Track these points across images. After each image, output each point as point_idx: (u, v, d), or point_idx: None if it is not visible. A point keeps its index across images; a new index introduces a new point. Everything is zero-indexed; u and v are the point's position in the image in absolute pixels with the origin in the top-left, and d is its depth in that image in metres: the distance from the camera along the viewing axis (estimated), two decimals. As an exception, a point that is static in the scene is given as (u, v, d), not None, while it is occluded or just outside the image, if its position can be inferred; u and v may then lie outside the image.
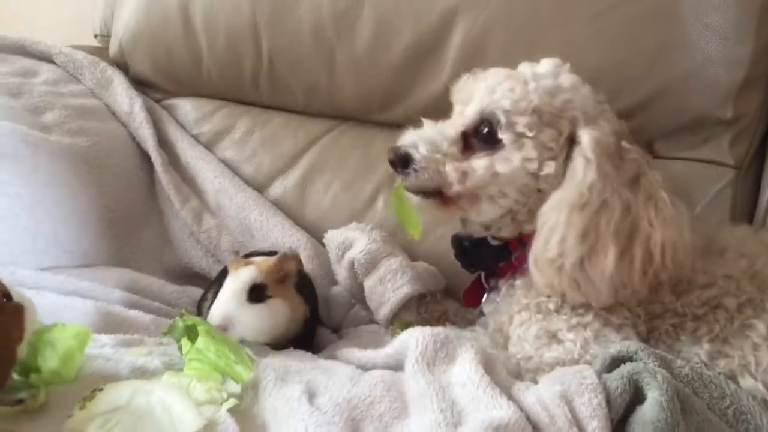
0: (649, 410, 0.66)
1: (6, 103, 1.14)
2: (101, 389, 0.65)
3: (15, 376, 0.68)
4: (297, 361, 0.80)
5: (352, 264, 1.01)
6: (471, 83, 0.89)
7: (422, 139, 0.87)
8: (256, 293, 0.85)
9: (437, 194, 0.87)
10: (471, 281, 0.96)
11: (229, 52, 1.24)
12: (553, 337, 0.83)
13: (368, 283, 1.00)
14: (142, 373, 0.74)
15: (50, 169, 1.09)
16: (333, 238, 1.06)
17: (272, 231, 1.12)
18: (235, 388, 0.71)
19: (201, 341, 0.74)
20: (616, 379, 0.69)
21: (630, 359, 0.73)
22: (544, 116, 0.83)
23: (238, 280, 0.85)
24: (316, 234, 1.12)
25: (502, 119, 0.83)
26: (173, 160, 1.23)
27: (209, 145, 1.26)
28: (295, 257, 0.91)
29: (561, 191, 0.81)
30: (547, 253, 0.80)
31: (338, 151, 1.22)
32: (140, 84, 1.32)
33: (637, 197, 0.80)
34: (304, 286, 0.94)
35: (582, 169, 0.80)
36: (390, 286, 0.98)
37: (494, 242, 0.90)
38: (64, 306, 0.91)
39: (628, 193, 0.80)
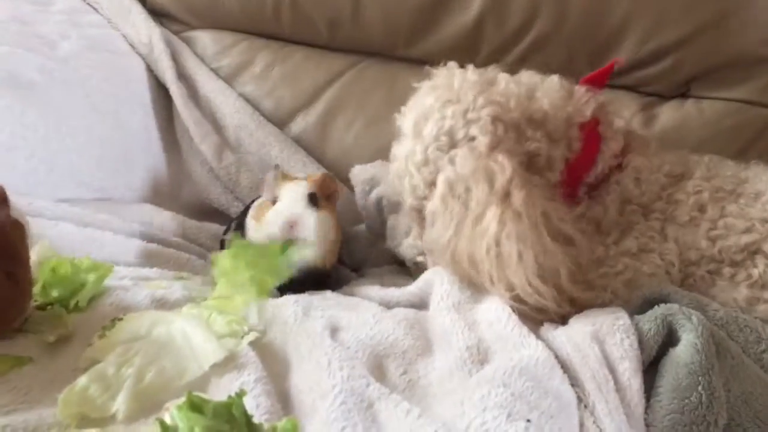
0: (683, 352, 0.64)
1: (22, 31, 1.10)
2: (121, 319, 0.64)
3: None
4: (319, 298, 0.78)
5: (380, 201, 0.98)
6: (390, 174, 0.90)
7: (405, 247, 0.93)
8: (314, 200, 0.87)
9: None
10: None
11: (250, -18, 1.19)
12: (586, 282, 0.80)
13: (391, 221, 0.98)
14: (161, 305, 0.73)
15: (66, 100, 1.06)
16: (359, 173, 1.03)
17: (293, 168, 1.09)
18: (256, 324, 0.70)
19: (233, 251, 0.77)
20: (649, 320, 0.67)
21: (663, 301, 0.71)
22: (428, 182, 0.82)
23: (297, 188, 0.87)
24: (338, 172, 1.09)
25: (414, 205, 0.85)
26: (192, 94, 1.19)
27: (228, 80, 1.22)
28: (337, 180, 0.92)
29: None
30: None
31: (361, 88, 1.18)
32: (158, 15, 1.27)
33: (478, 243, 0.75)
34: None
35: (432, 217, 0.80)
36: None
37: None
38: (82, 237, 0.89)
39: (470, 233, 0.76)
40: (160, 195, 1.13)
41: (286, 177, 0.91)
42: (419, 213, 0.85)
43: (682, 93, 1.08)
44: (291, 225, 0.84)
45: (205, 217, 1.12)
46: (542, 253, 0.73)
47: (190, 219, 1.09)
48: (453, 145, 0.80)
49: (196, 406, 0.43)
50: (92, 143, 1.07)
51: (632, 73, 1.06)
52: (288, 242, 0.83)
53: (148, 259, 0.90)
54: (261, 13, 1.21)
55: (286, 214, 0.84)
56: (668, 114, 1.07)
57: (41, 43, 1.11)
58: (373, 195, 1.00)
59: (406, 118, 0.86)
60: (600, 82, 0.89)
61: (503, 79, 0.85)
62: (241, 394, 0.45)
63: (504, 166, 0.75)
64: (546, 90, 0.84)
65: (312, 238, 0.84)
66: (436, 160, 0.80)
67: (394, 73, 1.17)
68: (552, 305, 0.73)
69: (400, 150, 0.86)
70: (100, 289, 0.73)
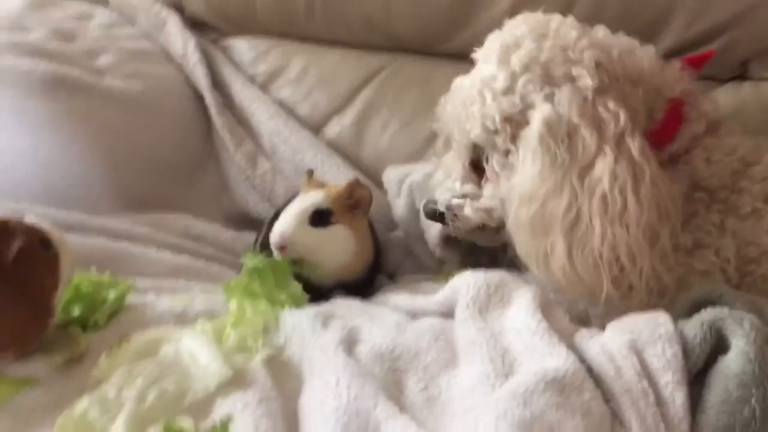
0: (734, 361, 0.57)
1: (59, 47, 1.12)
2: (128, 339, 0.63)
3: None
4: (344, 307, 0.75)
5: (410, 190, 0.94)
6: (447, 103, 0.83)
7: (442, 189, 0.84)
8: (320, 217, 0.81)
9: None
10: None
11: (282, -15, 1.18)
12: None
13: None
14: (181, 320, 0.71)
15: (104, 113, 1.07)
16: (392, 172, 0.99)
17: (327, 173, 1.06)
18: (276, 337, 0.67)
19: (244, 279, 0.74)
20: (695, 326, 0.61)
21: (714, 303, 0.64)
22: (514, 117, 0.74)
23: (303, 201, 0.82)
24: (373, 176, 1.07)
25: (485, 145, 0.77)
26: (228, 102, 1.19)
27: (264, 86, 1.21)
28: (367, 187, 0.87)
29: (511, 183, 0.74)
30: (521, 252, 0.74)
31: (397, 87, 1.15)
32: (195, 25, 1.27)
33: (585, 186, 0.69)
34: (372, 227, 0.90)
35: (530, 158, 0.71)
36: None
37: None
38: (115, 252, 0.89)
39: (576, 182, 0.70)
40: (198, 205, 1.13)
41: (313, 183, 0.88)
42: (475, 151, 0.79)
43: (738, 75, 1.00)
44: (281, 247, 0.79)
45: (244, 226, 1.11)
46: (657, 213, 0.67)
47: (229, 229, 1.09)
48: (550, 81, 0.73)
49: (172, 436, 0.41)
50: (131, 156, 1.08)
51: (680, 56, 0.99)
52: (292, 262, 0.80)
53: (177, 273, 0.89)
54: (294, 16, 1.20)
55: (276, 234, 0.80)
56: (724, 98, 0.99)
57: (80, 57, 1.12)
58: (405, 185, 0.96)
59: (488, 46, 0.79)
60: (695, 65, 0.83)
61: (602, 28, 0.79)
62: (225, 421, 0.42)
63: (617, 115, 0.69)
64: (645, 52, 0.78)
65: (312, 258, 0.80)
66: (525, 93, 0.73)
67: (430, 70, 1.14)
68: (638, 282, 0.68)
69: (472, 76, 0.79)
70: (120, 305, 0.72)
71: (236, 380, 0.58)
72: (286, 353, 0.65)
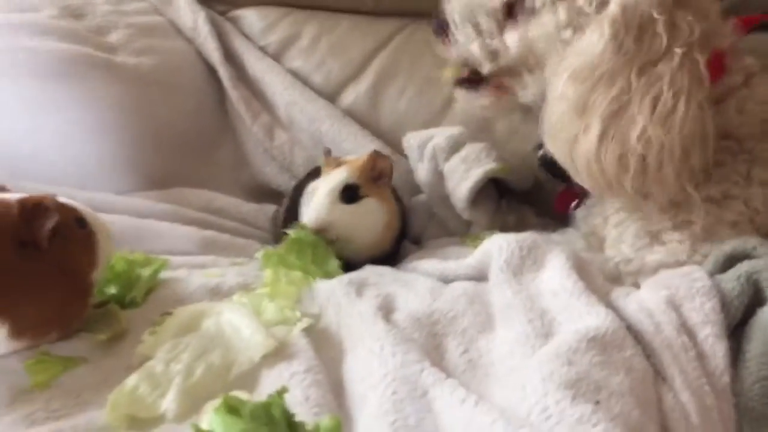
0: (773, 313, 0.57)
1: (69, 25, 1.11)
2: (170, 313, 0.63)
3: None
4: (375, 275, 0.75)
5: (433, 153, 0.94)
6: None
7: (462, 6, 0.82)
8: (350, 193, 0.82)
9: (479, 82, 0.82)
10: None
11: (291, -47, 1.16)
12: (655, 238, 0.74)
13: (449, 165, 0.92)
14: (215, 294, 0.72)
15: (118, 91, 1.07)
16: (412, 137, 0.98)
17: (345, 142, 1.06)
18: (311, 307, 0.68)
19: (281, 247, 0.75)
20: (731, 279, 0.61)
21: (748, 256, 0.64)
22: None
23: (330, 181, 0.82)
24: (392, 143, 1.06)
25: None
26: (241, 75, 1.18)
27: (276, 56, 1.19)
28: (388, 157, 0.87)
29: (566, 59, 0.73)
30: (551, 125, 0.73)
31: (411, 52, 1.13)
32: (203, -4, 1.26)
33: (641, 81, 0.69)
34: (397, 196, 0.90)
35: (595, 38, 0.70)
36: (473, 163, 0.90)
37: None
38: (140, 229, 0.90)
39: (633, 76, 0.69)
40: (218, 179, 1.13)
41: (332, 162, 0.87)
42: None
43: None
44: (320, 231, 0.79)
45: (263, 198, 1.11)
46: (699, 131, 0.68)
47: (249, 202, 1.09)
48: None
49: (232, 409, 0.41)
50: (146, 133, 1.07)
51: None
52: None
53: (206, 247, 0.89)
54: (305, -18, 1.18)
55: (313, 219, 0.80)
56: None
57: (90, 35, 1.11)
58: (428, 149, 0.95)
59: None
60: (747, 24, 0.82)
61: None
62: (281, 392, 0.43)
63: (693, 27, 0.69)
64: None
65: (349, 235, 0.81)
66: None
67: (444, 33, 1.12)
68: (658, 190, 0.69)
69: None
70: (156, 282, 0.72)
71: (280, 351, 0.58)
72: (322, 322, 0.66)
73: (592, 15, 0.73)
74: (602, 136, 0.69)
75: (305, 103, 1.11)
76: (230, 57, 1.19)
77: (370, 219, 0.82)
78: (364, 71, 1.15)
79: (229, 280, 0.74)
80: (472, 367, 0.59)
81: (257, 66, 1.17)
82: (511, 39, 0.79)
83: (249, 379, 0.56)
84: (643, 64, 0.69)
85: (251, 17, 1.24)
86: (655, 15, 0.69)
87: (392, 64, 1.14)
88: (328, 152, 0.90)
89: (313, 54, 1.18)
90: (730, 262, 0.65)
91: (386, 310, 0.64)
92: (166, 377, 0.55)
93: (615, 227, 0.77)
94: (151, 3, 1.24)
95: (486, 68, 0.82)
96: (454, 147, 0.92)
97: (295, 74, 1.17)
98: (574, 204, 0.85)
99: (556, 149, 0.74)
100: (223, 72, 1.15)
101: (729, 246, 0.66)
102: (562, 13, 0.75)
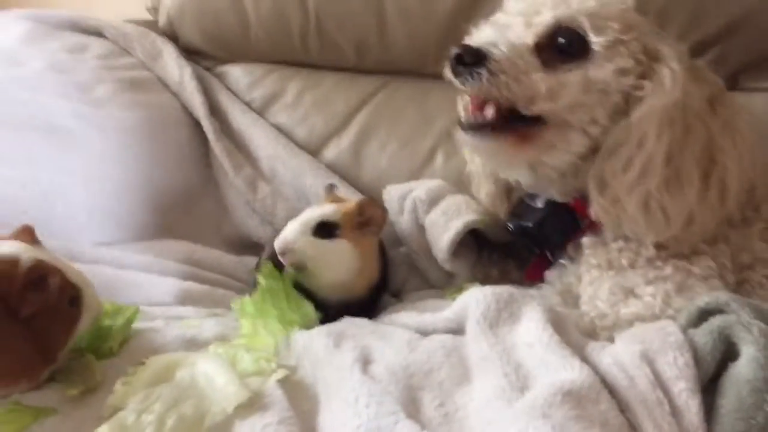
0: (745, 367, 0.58)
1: (56, 79, 1.12)
2: (143, 363, 0.63)
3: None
4: (353, 327, 0.75)
5: (413, 205, 0.94)
6: None
7: (500, 39, 0.73)
8: (325, 229, 0.81)
9: (504, 128, 0.75)
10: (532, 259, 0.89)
11: (276, 13, 1.19)
12: (630, 293, 0.75)
13: (429, 218, 0.92)
14: (192, 345, 0.71)
15: (102, 143, 1.08)
16: (393, 190, 0.99)
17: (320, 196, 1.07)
18: (287, 358, 0.68)
19: (256, 297, 0.74)
20: (704, 334, 0.62)
21: (720, 311, 0.65)
22: (629, 25, 0.74)
23: (311, 212, 0.83)
24: (373, 195, 1.06)
25: (587, 23, 0.73)
26: (225, 128, 1.19)
27: (261, 111, 1.22)
28: (382, 206, 0.87)
29: (646, 105, 0.72)
30: (628, 174, 0.71)
31: (393, 108, 1.16)
32: (190, 53, 1.29)
33: (715, 123, 0.72)
34: (382, 248, 0.90)
35: (670, 82, 0.71)
36: (454, 215, 0.90)
37: (564, 199, 0.81)
38: (118, 281, 0.89)
39: (709, 118, 0.71)
40: (199, 231, 1.13)
41: (331, 198, 0.89)
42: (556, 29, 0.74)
43: (730, 87, 1.01)
44: (281, 254, 0.79)
45: (245, 251, 1.11)
46: None
47: (230, 254, 1.09)
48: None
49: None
50: (130, 184, 1.08)
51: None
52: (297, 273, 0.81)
53: (184, 298, 0.89)
54: (289, 42, 1.21)
55: (279, 240, 0.80)
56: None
57: (77, 90, 1.13)
58: (408, 201, 0.95)
59: None
60: None
61: None
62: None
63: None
64: None
65: (314, 269, 0.80)
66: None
67: (426, 91, 1.15)
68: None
69: None
70: (130, 332, 0.72)
71: (254, 402, 0.58)
72: (298, 374, 0.65)
73: (646, 64, 0.74)
74: (703, 182, 0.71)
75: (288, 157, 1.13)
76: (215, 111, 1.21)
77: (337, 259, 0.82)
78: (346, 126, 1.17)
79: (206, 331, 0.74)
80: (447, 420, 0.59)
81: (241, 120, 1.19)
82: (570, 78, 0.73)
83: (222, 430, 0.56)
84: (704, 105, 0.72)
85: (237, 73, 1.27)
86: (697, 62, 0.73)
87: (374, 120, 1.16)
88: (330, 188, 0.91)
89: (297, 109, 1.20)
90: (702, 316, 0.66)
91: (363, 362, 0.64)
92: (137, 428, 0.54)
93: (590, 284, 0.78)
94: (138, 58, 1.26)
95: (540, 107, 0.73)
96: (435, 199, 0.93)
97: (279, 129, 1.19)
98: (548, 271, 0.86)
99: (633, 196, 0.71)
100: (208, 125, 1.17)
101: (702, 301, 0.67)
102: (623, 58, 0.73)
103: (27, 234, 0.68)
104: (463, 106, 0.86)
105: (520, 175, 0.83)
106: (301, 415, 0.58)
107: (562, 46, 0.74)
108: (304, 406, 0.60)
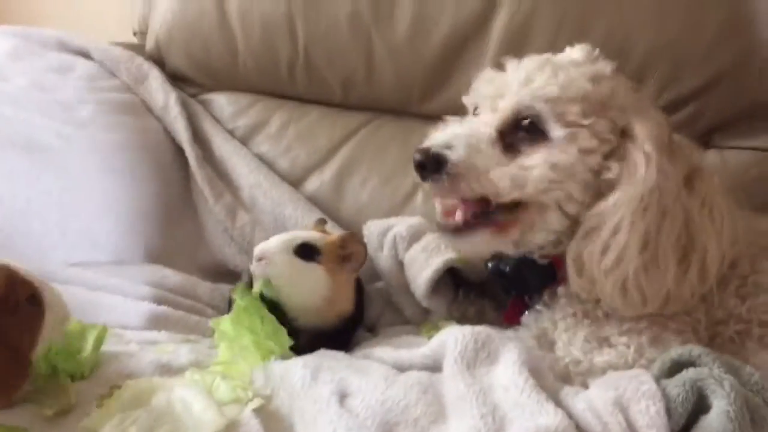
0: (715, 421, 0.59)
1: (40, 98, 1.12)
2: (119, 387, 0.62)
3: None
4: (330, 359, 0.75)
5: (393, 242, 0.95)
6: (498, 77, 0.80)
7: (457, 138, 0.75)
8: (306, 251, 0.82)
9: (482, 219, 0.77)
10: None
11: (265, 44, 1.20)
12: (605, 341, 0.77)
13: (409, 254, 0.92)
14: (166, 371, 0.70)
15: (83, 164, 1.07)
16: (373, 225, 1.00)
17: (308, 227, 1.07)
18: (263, 387, 0.67)
19: (233, 316, 0.74)
20: (677, 385, 0.63)
21: (692, 364, 0.66)
22: (594, 105, 0.75)
23: (298, 233, 0.84)
24: (352, 230, 1.07)
25: (547, 110, 0.74)
26: (208, 156, 1.20)
27: (244, 140, 1.22)
28: (364, 243, 0.88)
29: (620, 191, 0.73)
30: (604, 260, 0.72)
31: (376, 145, 1.18)
32: (176, 79, 1.29)
33: (692, 202, 0.73)
34: (359, 282, 0.91)
35: (643, 166, 0.72)
36: (434, 253, 0.91)
37: (543, 261, 0.81)
38: (91, 302, 0.88)
39: (686, 198, 0.73)
40: (175, 257, 1.12)
41: (318, 230, 0.90)
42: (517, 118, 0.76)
43: (704, 143, 1.05)
44: (258, 258, 0.80)
45: (220, 279, 1.10)
46: None
47: (205, 281, 1.08)
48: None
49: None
50: (107, 206, 1.08)
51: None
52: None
53: (157, 323, 0.88)
54: (276, 73, 1.22)
55: (259, 248, 0.81)
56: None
57: (60, 109, 1.12)
58: (388, 237, 0.96)
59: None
60: None
61: None
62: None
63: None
64: None
65: (284, 286, 0.80)
66: (616, 95, 0.77)
67: (409, 129, 1.17)
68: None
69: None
70: (99, 354, 0.70)
71: (230, 430, 0.57)
72: (274, 403, 0.65)
73: (614, 142, 0.75)
74: (680, 264, 0.72)
75: (269, 187, 1.13)
76: (198, 138, 1.21)
77: (309, 283, 0.82)
78: (329, 160, 1.18)
79: (181, 356, 0.73)
80: (422, 458, 0.59)
81: (224, 147, 1.19)
82: (532, 162, 0.74)
83: (197, 458, 0.55)
84: (681, 184, 0.73)
85: (222, 101, 1.27)
86: (673, 136, 0.75)
87: (357, 155, 1.17)
88: (321, 222, 0.93)
89: (281, 140, 1.21)
90: (675, 367, 0.67)
91: (340, 395, 0.64)
92: (111, 452, 0.53)
93: (565, 332, 0.79)
94: (123, 82, 1.26)
95: (509, 196, 0.75)
96: (415, 236, 0.94)
97: (262, 158, 1.19)
98: (524, 315, 0.86)
99: (610, 280, 0.72)
100: (190, 151, 1.17)
101: (675, 352, 0.69)
102: (585, 140, 0.74)
103: None
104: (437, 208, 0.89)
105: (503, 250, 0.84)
106: (276, 446, 0.58)
107: (524, 128, 0.76)
108: (279, 437, 0.60)
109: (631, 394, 0.62)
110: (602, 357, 0.75)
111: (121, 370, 0.68)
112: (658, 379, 0.65)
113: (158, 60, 1.30)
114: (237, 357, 0.69)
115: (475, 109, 0.84)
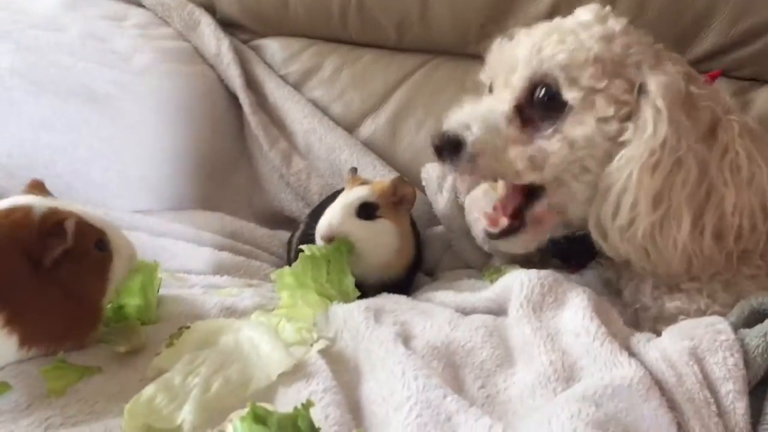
0: (795, 373, 0.57)
1: (95, 46, 1.12)
2: (188, 327, 0.63)
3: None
4: (392, 302, 0.74)
5: (453, 185, 0.93)
6: (508, 48, 0.78)
7: (473, 118, 0.74)
8: (366, 210, 0.81)
9: (515, 225, 0.77)
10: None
11: (316, -12, 1.18)
12: (674, 286, 0.74)
13: (470, 197, 0.90)
14: (230, 313, 0.72)
15: (139, 112, 1.07)
16: (432, 169, 0.98)
17: (363, 172, 1.06)
18: (326, 330, 0.67)
19: (295, 267, 0.73)
20: (757, 336, 0.60)
21: (772, 312, 0.63)
22: (608, 65, 0.71)
23: (350, 195, 0.82)
24: (408, 174, 1.05)
25: (560, 77, 0.71)
26: (261, 101, 1.19)
27: (297, 85, 1.21)
28: (412, 185, 0.86)
29: (629, 148, 0.70)
30: (617, 220, 0.70)
31: (431, 87, 1.15)
32: (227, 25, 1.28)
33: (713, 154, 0.69)
34: (414, 227, 0.90)
35: (652, 122, 0.69)
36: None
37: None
38: (155, 248, 0.89)
39: (703, 150, 0.69)
40: (232, 203, 1.13)
41: (356, 181, 0.88)
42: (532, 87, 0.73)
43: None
44: (328, 239, 0.78)
45: (276, 225, 1.11)
46: None
47: (262, 227, 1.09)
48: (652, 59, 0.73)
49: (259, 418, 0.41)
50: (165, 154, 1.08)
51: (723, 57, 0.99)
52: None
53: (220, 268, 0.89)
54: (328, 18, 1.20)
55: (324, 226, 0.79)
56: (765, 99, 0.99)
57: (116, 58, 1.12)
58: (448, 181, 0.94)
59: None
60: (712, 78, 0.84)
61: None
62: (307, 406, 0.43)
63: (718, 92, 0.73)
64: None
65: (360, 250, 0.79)
66: (629, 53, 0.72)
67: (465, 71, 1.12)
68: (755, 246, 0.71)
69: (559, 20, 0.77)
70: (163, 297, 0.71)
71: (297, 370, 0.58)
72: (338, 346, 0.65)
73: (632, 102, 0.72)
74: (696, 220, 0.69)
75: (324, 132, 1.12)
76: (251, 84, 1.20)
77: (382, 239, 0.82)
78: (384, 104, 1.16)
79: (244, 300, 0.74)
80: (490, 401, 0.58)
81: (277, 93, 1.19)
82: (550, 145, 0.72)
83: (265, 396, 0.56)
84: (701, 137, 0.69)
85: (274, 47, 1.26)
86: (692, 89, 0.70)
87: (412, 98, 1.15)
88: (353, 171, 0.90)
89: (334, 85, 1.19)
90: (755, 316, 0.64)
91: (404, 337, 0.63)
92: (183, 389, 0.54)
93: (631, 280, 0.77)
94: (176, 29, 1.26)
95: (527, 178, 0.73)
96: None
97: (315, 104, 1.18)
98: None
99: (626, 241, 0.70)
100: (244, 98, 1.17)
101: (756, 301, 0.65)
102: (602, 107, 0.71)
103: (37, 188, 0.67)
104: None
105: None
106: (342, 385, 0.58)
107: (540, 100, 0.74)
108: (344, 377, 0.60)
109: (707, 345, 0.60)
110: (672, 302, 0.73)
111: (188, 312, 0.70)
112: (736, 328, 0.62)
113: (209, 6, 1.29)
114: (299, 302, 0.69)
115: (491, 85, 0.81)
